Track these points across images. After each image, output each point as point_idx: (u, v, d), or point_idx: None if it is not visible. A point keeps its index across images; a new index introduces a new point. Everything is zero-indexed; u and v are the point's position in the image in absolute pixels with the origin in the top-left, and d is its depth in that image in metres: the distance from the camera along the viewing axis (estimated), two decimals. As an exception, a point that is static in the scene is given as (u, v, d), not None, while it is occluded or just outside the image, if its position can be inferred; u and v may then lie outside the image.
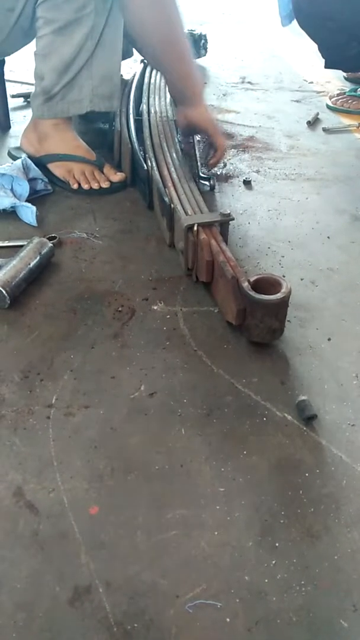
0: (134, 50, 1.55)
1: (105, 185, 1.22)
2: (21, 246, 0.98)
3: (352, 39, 1.61)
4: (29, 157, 1.22)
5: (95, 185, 1.22)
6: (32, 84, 1.85)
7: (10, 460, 0.67)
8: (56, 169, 1.24)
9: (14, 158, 1.29)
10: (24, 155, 1.20)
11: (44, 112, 1.19)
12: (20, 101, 1.72)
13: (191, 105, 1.18)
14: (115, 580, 0.56)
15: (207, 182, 1.23)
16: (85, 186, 1.22)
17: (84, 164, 1.23)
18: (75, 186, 1.22)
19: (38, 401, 0.74)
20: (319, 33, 1.66)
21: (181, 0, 1.49)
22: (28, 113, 1.65)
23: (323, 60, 1.74)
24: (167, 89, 1.48)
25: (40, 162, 1.24)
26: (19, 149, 1.30)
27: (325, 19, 1.58)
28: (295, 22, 1.92)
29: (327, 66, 1.75)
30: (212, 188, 1.25)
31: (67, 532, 0.60)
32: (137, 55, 1.59)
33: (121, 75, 1.54)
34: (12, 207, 1.12)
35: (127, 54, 1.56)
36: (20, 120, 1.60)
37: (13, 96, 1.73)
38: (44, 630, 0.52)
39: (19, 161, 1.18)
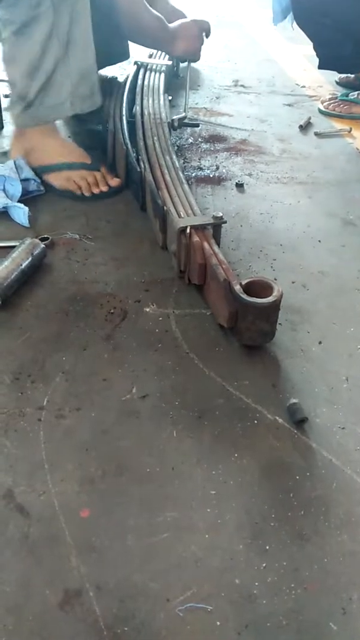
0: (130, 52, 1.56)
1: (105, 189, 1.20)
2: (13, 247, 0.97)
3: (347, 38, 1.62)
4: None
5: (96, 190, 1.19)
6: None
7: (0, 462, 0.67)
8: (54, 180, 1.20)
9: None
10: (19, 155, 1.19)
11: (26, 120, 1.15)
12: (12, 101, 1.72)
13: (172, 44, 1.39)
14: (106, 583, 0.56)
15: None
16: (87, 193, 1.19)
17: (82, 169, 1.20)
18: (78, 192, 1.19)
19: (29, 403, 0.74)
20: (315, 29, 1.67)
21: (177, 3, 1.51)
22: (20, 113, 1.65)
23: (317, 61, 1.75)
24: (160, 90, 1.49)
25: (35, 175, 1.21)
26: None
27: (322, 15, 1.59)
28: (286, 21, 1.92)
29: (321, 66, 1.76)
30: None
31: (58, 535, 0.60)
32: (130, 57, 1.59)
33: (115, 77, 1.55)
34: (4, 207, 1.12)
35: (123, 56, 1.56)
36: (12, 120, 1.60)
37: (6, 96, 1.72)
38: (34, 634, 0.52)
39: (11, 161, 1.17)
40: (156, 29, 1.34)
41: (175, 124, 1.41)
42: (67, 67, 1.10)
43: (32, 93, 1.11)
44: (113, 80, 1.53)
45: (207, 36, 1.47)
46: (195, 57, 1.47)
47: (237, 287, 0.79)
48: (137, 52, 1.65)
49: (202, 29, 1.44)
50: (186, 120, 1.45)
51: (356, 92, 1.75)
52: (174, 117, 1.43)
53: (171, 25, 1.40)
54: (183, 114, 1.43)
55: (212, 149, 1.47)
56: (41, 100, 1.12)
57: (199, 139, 1.52)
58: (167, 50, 1.45)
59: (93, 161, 1.23)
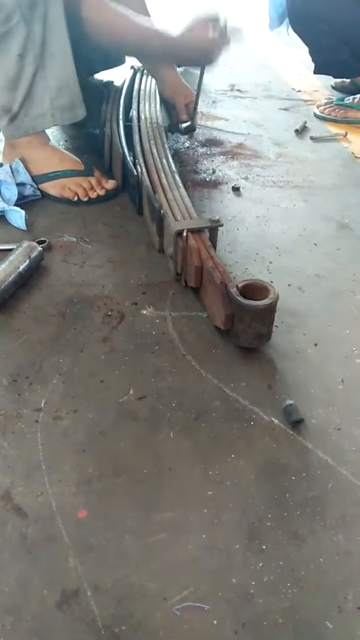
0: (125, 57, 1.57)
1: (101, 193, 1.21)
2: (10, 250, 0.98)
3: (343, 43, 1.63)
4: None
5: (93, 195, 1.20)
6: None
7: (-2, 464, 0.67)
8: (50, 189, 1.21)
9: None
10: (16, 159, 1.19)
11: (13, 132, 1.15)
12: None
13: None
14: (104, 583, 0.56)
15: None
16: (85, 199, 1.20)
17: (76, 176, 1.20)
18: (75, 199, 1.20)
19: (27, 405, 0.75)
20: (311, 35, 1.68)
21: (172, 10, 1.50)
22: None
23: (312, 66, 1.76)
24: (157, 94, 1.50)
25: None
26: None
27: (319, 21, 1.60)
28: (282, 26, 1.94)
29: (316, 71, 1.77)
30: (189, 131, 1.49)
31: (55, 535, 0.60)
32: (126, 62, 1.60)
33: (111, 81, 1.56)
34: (0, 211, 1.12)
35: (119, 61, 1.57)
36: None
37: None
38: (32, 634, 0.52)
39: (6, 165, 1.18)
40: (150, 40, 1.13)
41: (182, 129, 1.43)
42: (46, 79, 1.09)
43: (15, 105, 1.11)
44: (109, 84, 1.54)
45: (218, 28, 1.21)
46: (211, 59, 1.24)
47: (233, 290, 0.80)
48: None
49: (213, 22, 1.20)
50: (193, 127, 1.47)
51: (351, 97, 1.76)
52: (183, 125, 1.44)
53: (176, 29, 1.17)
54: (189, 123, 1.43)
55: (208, 152, 1.48)
56: (25, 111, 1.12)
57: (196, 143, 1.53)
58: (176, 62, 1.28)
59: (86, 166, 1.23)
